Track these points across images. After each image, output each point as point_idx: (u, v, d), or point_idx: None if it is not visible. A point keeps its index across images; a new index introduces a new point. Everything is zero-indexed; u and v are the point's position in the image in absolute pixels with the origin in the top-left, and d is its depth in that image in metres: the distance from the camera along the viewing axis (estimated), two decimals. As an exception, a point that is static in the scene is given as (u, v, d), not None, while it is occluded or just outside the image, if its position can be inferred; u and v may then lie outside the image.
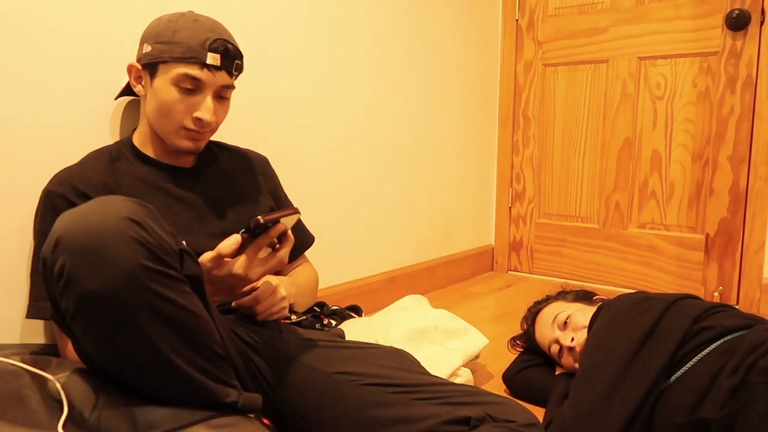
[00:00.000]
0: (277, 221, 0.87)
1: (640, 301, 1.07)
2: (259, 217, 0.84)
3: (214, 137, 1.26)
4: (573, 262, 2.53)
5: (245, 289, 1.01)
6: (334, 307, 1.54)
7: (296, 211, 0.92)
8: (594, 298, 1.35)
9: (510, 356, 1.48)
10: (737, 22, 2.02)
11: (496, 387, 1.41)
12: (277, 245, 0.94)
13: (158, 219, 0.75)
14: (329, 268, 1.82)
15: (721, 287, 2.16)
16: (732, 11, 2.02)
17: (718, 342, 0.97)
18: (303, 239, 1.38)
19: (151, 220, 0.73)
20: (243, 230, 0.88)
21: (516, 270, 2.70)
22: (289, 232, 0.95)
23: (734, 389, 0.88)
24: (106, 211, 0.70)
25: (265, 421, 0.91)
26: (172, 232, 0.77)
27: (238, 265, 0.88)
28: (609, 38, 2.33)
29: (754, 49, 2.02)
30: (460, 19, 2.35)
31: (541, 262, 2.62)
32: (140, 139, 1.15)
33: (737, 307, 2.10)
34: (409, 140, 2.15)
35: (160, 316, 0.72)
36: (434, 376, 0.99)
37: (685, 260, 2.24)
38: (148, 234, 0.71)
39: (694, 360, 0.96)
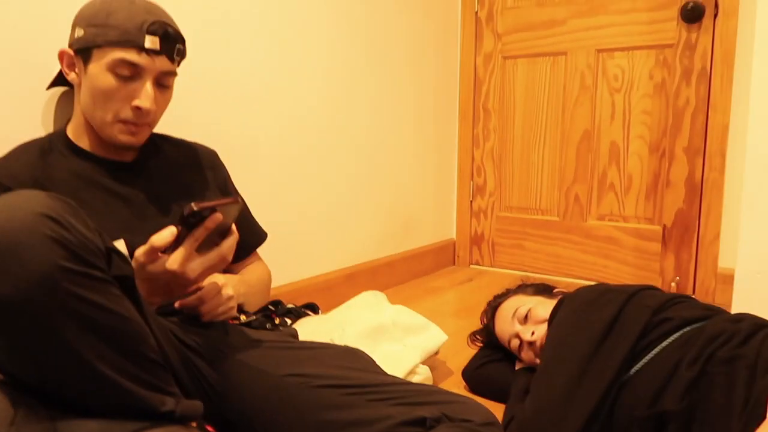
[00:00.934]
0: (213, 209, 0.81)
1: (600, 293, 1.05)
2: (192, 204, 0.78)
3: (158, 129, 1.19)
4: (534, 254, 2.52)
5: (190, 289, 0.95)
6: (290, 306, 1.48)
7: (235, 201, 0.85)
8: (554, 291, 1.33)
9: (470, 351, 1.45)
10: (692, 15, 2.04)
11: (456, 384, 1.38)
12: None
13: (80, 215, 0.68)
14: (284, 264, 1.76)
15: (677, 277, 2.18)
16: (687, 3, 2.03)
17: (678, 333, 0.95)
18: (254, 235, 1.32)
19: (71, 216, 0.66)
20: (178, 221, 0.81)
21: (477, 264, 2.68)
22: (233, 226, 0.90)
23: (694, 381, 0.87)
24: (16, 206, 0.63)
25: (209, 428, 0.85)
26: (97, 229, 0.70)
27: (173, 259, 0.82)
28: (567, 30, 2.33)
29: (708, 41, 2.04)
30: (419, 11, 2.31)
31: (502, 256, 2.61)
32: (75, 131, 1.08)
33: (694, 296, 2.12)
34: (367, 132, 2.10)
35: (82, 321, 0.65)
36: (390, 375, 0.95)
37: (642, 251, 2.25)
38: (67, 231, 0.64)
39: (654, 351, 0.94)
